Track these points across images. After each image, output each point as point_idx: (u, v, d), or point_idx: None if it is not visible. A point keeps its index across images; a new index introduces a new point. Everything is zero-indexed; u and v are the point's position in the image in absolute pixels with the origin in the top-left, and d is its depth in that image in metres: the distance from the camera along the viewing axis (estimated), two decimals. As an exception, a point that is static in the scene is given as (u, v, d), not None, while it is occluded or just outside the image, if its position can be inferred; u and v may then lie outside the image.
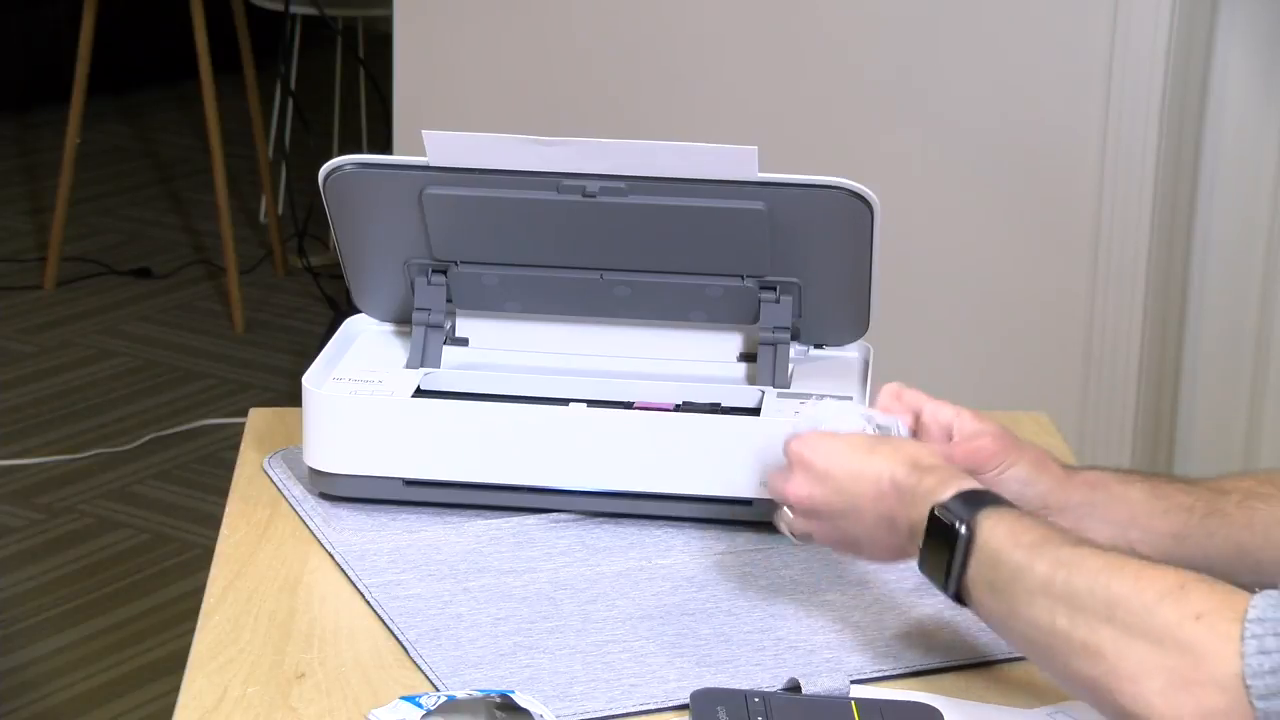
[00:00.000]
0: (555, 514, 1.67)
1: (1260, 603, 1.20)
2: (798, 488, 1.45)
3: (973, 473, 1.44)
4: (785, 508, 1.47)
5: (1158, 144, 2.93)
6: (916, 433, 1.53)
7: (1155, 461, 3.04)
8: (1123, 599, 1.23)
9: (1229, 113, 2.95)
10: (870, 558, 1.47)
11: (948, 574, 1.34)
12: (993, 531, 1.33)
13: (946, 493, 1.36)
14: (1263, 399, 3.02)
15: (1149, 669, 1.21)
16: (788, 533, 1.48)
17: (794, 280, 1.71)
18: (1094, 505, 1.50)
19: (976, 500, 1.35)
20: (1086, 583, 1.26)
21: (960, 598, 1.35)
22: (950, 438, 1.52)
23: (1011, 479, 1.49)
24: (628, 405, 1.68)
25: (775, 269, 1.70)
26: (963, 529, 1.33)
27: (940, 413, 1.53)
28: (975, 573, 1.33)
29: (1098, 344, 3.02)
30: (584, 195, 1.66)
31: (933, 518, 1.36)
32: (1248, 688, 1.17)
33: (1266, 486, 1.49)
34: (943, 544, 1.35)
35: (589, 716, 1.39)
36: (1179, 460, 3.04)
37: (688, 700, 1.37)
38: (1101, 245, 2.99)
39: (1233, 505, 1.48)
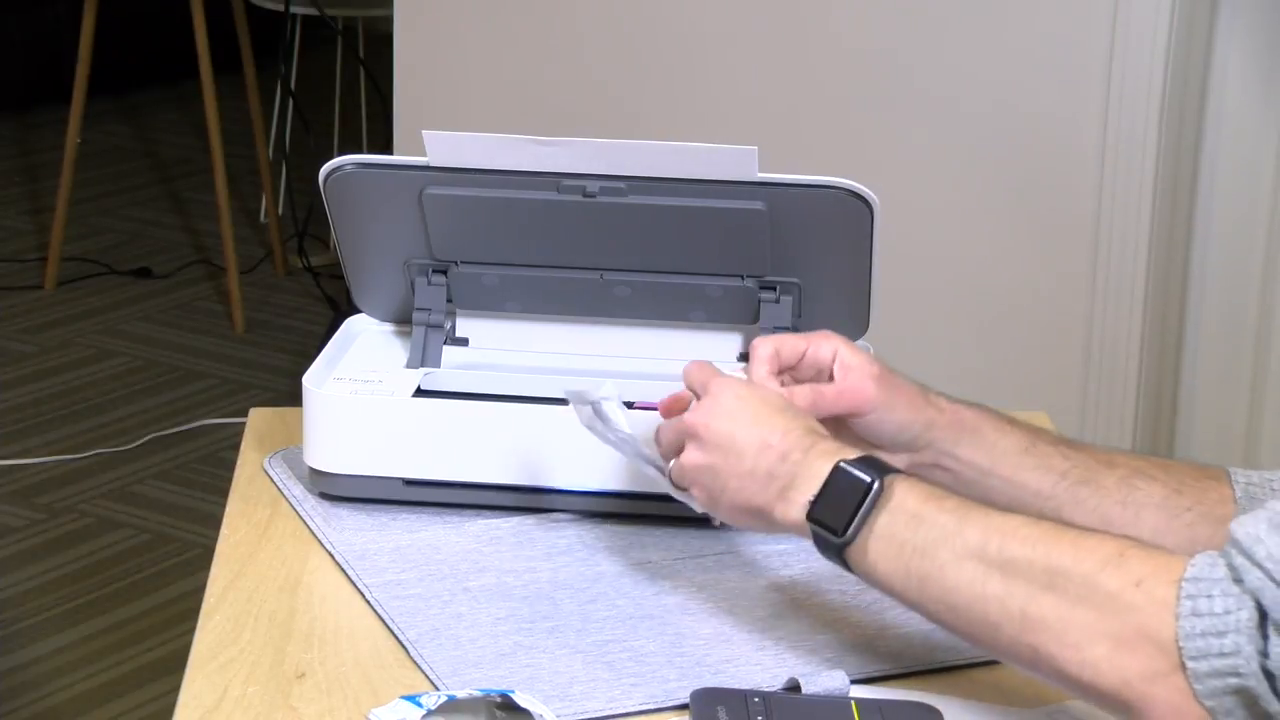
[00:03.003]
0: (555, 514, 1.67)
1: (1199, 561, 1.21)
2: (697, 414, 1.44)
3: (849, 415, 1.48)
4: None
5: (1158, 143, 2.93)
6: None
7: (1155, 461, 3.04)
8: (1063, 568, 1.24)
9: (1229, 113, 2.95)
10: (726, 514, 1.44)
11: (849, 524, 1.34)
12: (909, 492, 1.34)
13: (847, 455, 1.37)
14: (1263, 398, 3.02)
15: (1093, 635, 1.22)
16: (671, 473, 1.46)
17: (794, 280, 1.71)
18: (958, 443, 1.51)
19: (882, 465, 1.36)
20: (1023, 551, 1.27)
21: (845, 552, 1.34)
22: (829, 377, 1.52)
23: (887, 421, 1.50)
24: (628, 405, 1.68)
25: (775, 269, 1.70)
26: (875, 483, 1.34)
27: (820, 351, 1.53)
28: (885, 528, 1.33)
29: (1098, 344, 3.02)
30: (584, 195, 1.66)
31: (838, 470, 1.36)
32: (1180, 649, 1.19)
33: (1156, 470, 1.51)
34: (846, 493, 1.34)
35: (589, 716, 1.39)
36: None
37: (688, 700, 1.37)
38: (1101, 244, 2.99)
39: (1113, 479, 1.50)
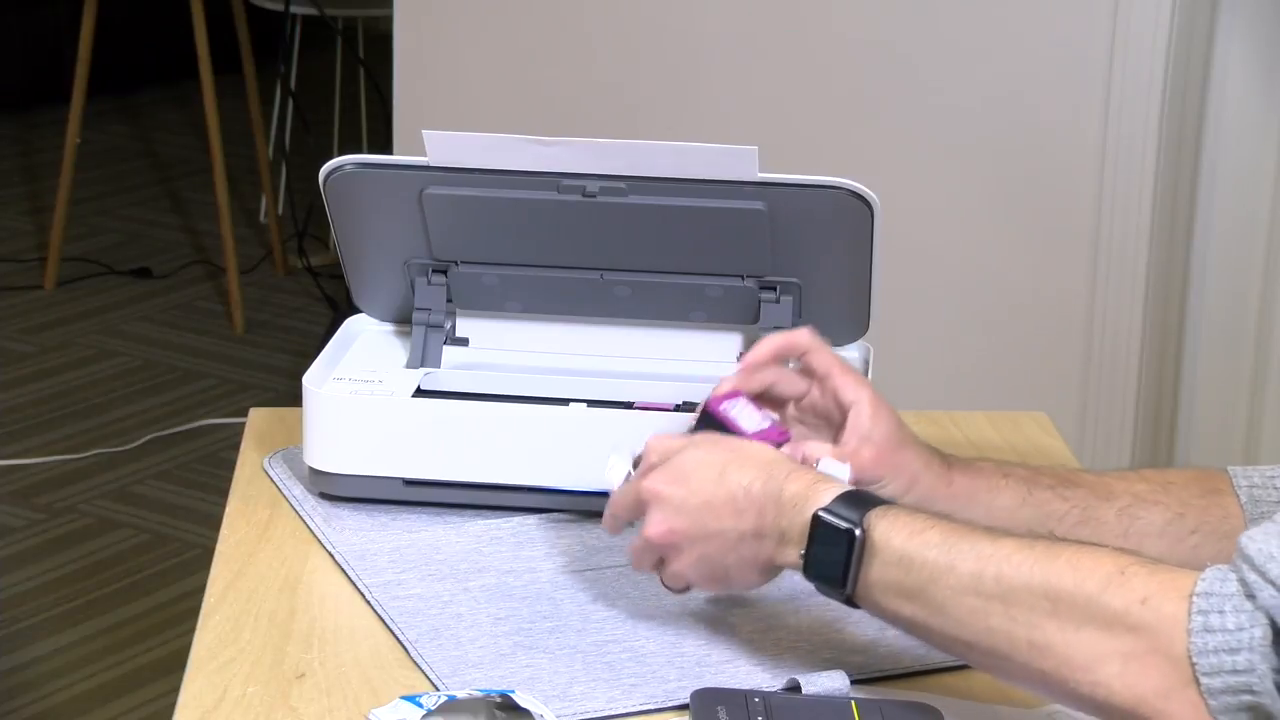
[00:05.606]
0: (555, 514, 1.67)
1: (1208, 575, 1.20)
2: (655, 526, 1.42)
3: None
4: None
5: (1158, 144, 2.93)
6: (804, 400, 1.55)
7: (1155, 462, 3.04)
8: (1064, 592, 1.23)
9: (1229, 113, 2.95)
10: (740, 585, 1.44)
11: (844, 578, 1.33)
12: (890, 532, 1.32)
13: (822, 497, 1.35)
14: (1263, 399, 3.02)
15: (1102, 655, 1.21)
16: (668, 587, 1.46)
17: (794, 280, 1.71)
18: (950, 510, 1.47)
19: (860, 501, 1.34)
20: (1021, 578, 1.25)
21: (851, 602, 1.34)
22: (843, 412, 1.52)
23: (884, 493, 1.46)
24: (628, 405, 1.68)
25: (775, 269, 1.70)
26: (857, 531, 1.32)
27: (845, 394, 1.53)
28: (878, 576, 1.32)
29: (1098, 344, 3.02)
30: (584, 195, 1.66)
31: (817, 521, 1.34)
32: (1193, 665, 1.19)
33: (1158, 493, 1.50)
34: (833, 547, 1.33)
35: (589, 716, 1.39)
36: (1179, 461, 3.04)
37: (688, 700, 1.37)
38: (1101, 245, 2.99)
39: (1113, 513, 1.49)
